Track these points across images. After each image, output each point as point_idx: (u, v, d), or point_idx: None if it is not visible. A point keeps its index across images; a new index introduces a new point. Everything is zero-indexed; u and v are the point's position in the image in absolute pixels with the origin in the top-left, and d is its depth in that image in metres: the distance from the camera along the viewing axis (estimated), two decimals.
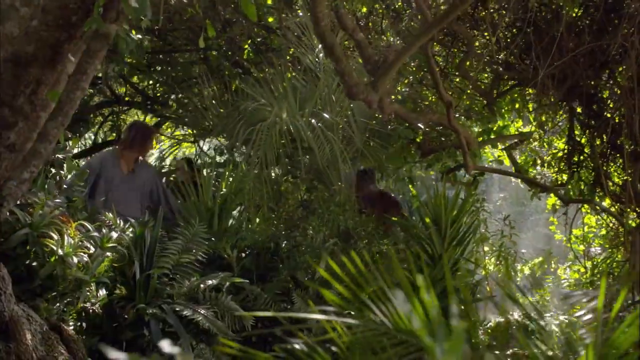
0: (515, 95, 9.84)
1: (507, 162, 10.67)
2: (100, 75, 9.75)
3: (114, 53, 8.60)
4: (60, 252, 3.96)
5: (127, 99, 10.16)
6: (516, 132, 8.96)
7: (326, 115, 7.30)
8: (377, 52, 6.40)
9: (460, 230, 7.49)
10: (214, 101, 8.06)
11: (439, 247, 7.40)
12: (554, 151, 10.09)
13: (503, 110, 10.08)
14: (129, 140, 7.17)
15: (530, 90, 9.39)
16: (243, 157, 7.73)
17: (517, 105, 9.97)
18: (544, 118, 10.12)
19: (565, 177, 9.44)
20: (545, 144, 10.23)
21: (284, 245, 6.51)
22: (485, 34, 8.38)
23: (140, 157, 7.27)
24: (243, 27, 8.82)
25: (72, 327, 4.25)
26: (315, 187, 7.76)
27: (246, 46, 9.15)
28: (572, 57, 7.65)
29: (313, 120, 7.35)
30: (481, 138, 8.62)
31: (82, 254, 4.12)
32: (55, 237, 3.97)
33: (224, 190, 6.81)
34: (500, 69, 8.40)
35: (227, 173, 7.04)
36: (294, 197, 7.28)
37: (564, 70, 8.04)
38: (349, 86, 5.89)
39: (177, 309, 4.85)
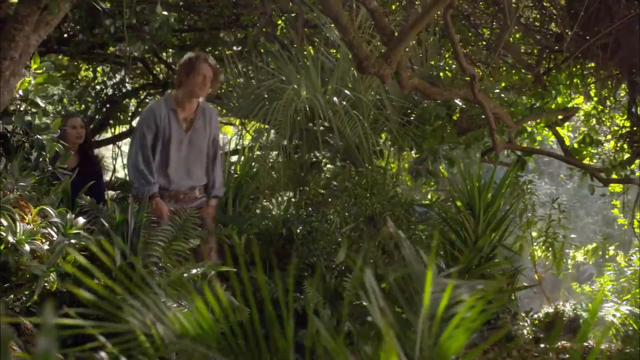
0: (573, 69, 9.15)
1: (567, 141, 9.96)
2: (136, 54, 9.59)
3: (141, 31, 8.40)
4: (11, 239, 3.67)
5: (161, 78, 9.93)
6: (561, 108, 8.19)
7: (347, 92, 6.84)
8: (395, 21, 5.89)
9: (497, 214, 6.96)
10: (239, 80, 7.69)
11: (472, 233, 6.88)
12: (615, 129, 9.34)
13: (561, 86, 9.40)
14: (177, 79, 5.65)
15: (590, 64, 8.70)
16: (264, 138, 7.35)
17: (575, 80, 9.27)
18: (604, 93, 9.39)
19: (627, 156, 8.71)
20: (605, 120, 9.48)
21: (298, 231, 6.13)
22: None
23: (200, 100, 5.63)
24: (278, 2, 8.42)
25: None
26: (342, 168, 7.32)
27: (280, 22, 8.75)
28: (625, 24, 6.96)
29: (335, 98, 6.89)
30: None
31: (39, 242, 3.82)
32: (5, 223, 3.68)
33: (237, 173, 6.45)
34: (544, 40, 7.72)
35: (242, 156, 6.67)
36: (316, 179, 6.86)
37: (618, 40, 7.33)
38: (359, 59, 5.43)
39: (161, 300, 4.54)
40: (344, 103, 6.97)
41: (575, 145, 8.91)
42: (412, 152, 8.53)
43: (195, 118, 5.57)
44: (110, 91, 10.06)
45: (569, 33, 7.92)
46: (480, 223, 6.80)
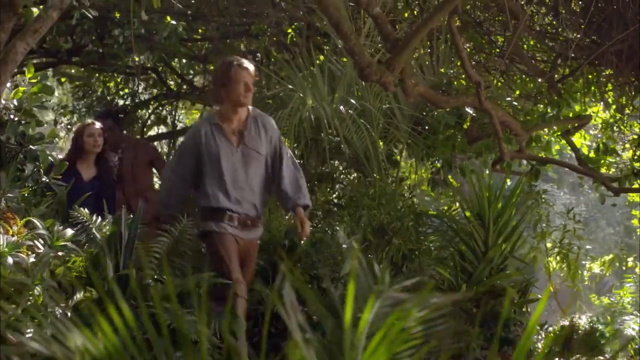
0: (589, 76, 8.96)
1: (585, 150, 9.76)
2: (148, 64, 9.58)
3: (150, 41, 8.37)
4: None
5: (172, 88, 9.89)
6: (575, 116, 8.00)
7: (352, 101, 6.74)
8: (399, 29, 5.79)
9: (508, 224, 6.79)
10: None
11: (482, 244, 6.72)
12: (634, 137, 9.12)
13: (578, 94, 9.21)
14: (214, 94, 5.08)
15: (608, 71, 8.51)
16: None
17: (592, 88, 9.07)
18: (622, 100, 9.19)
19: None
20: (624, 128, 9.26)
21: (302, 242, 6.01)
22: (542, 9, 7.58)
23: (249, 109, 5.04)
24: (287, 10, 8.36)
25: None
26: (350, 179, 7.21)
27: (290, 30, 8.67)
28: (638, 30, 6.78)
29: (342, 107, 6.79)
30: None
31: (23, 254, 3.75)
32: None
33: None
34: (557, 46, 7.55)
35: None
36: (323, 190, 6.75)
37: (632, 46, 7.15)
38: (361, 67, 5.33)
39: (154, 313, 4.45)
40: (351, 112, 6.86)
41: (592, 154, 8.72)
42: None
43: (245, 129, 4.94)
44: (120, 102, 10.05)
45: (586, 39, 7.78)
46: (490, 234, 6.63)
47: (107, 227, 4.66)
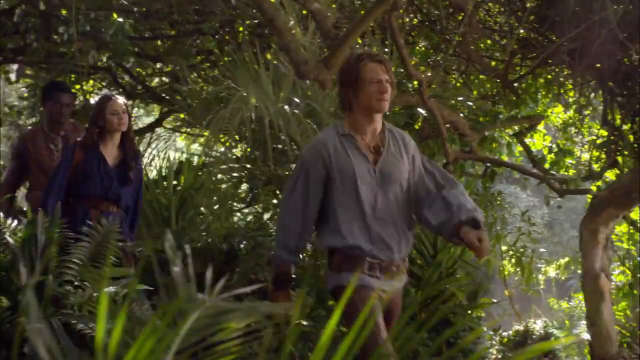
0: (549, 76, 8.84)
1: (545, 151, 9.63)
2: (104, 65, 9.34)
3: (95, 39, 8.13)
4: None
5: (127, 88, 9.66)
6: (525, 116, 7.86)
7: (297, 100, 6.55)
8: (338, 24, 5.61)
9: None
10: (193, 87, 7.41)
11: (431, 247, 6.56)
12: (593, 138, 9.00)
13: (538, 94, 9.10)
14: (343, 98, 3.79)
15: (565, 71, 8.38)
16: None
17: (554, 88, 8.95)
18: (583, 101, 9.08)
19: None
20: (582, 129, 9.15)
21: (242, 246, 5.82)
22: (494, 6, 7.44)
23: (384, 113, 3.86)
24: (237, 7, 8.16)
25: None
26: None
27: (241, 28, 8.47)
28: (590, 28, 6.64)
29: (287, 107, 6.59)
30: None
31: None
32: None
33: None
34: (510, 44, 7.40)
35: (186, 168, 6.38)
36: (266, 191, 6.57)
37: (585, 44, 7.01)
38: (297, 64, 5.15)
39: (72, 322, 4.23)
40: (297, 112, 6.67)
41: (552, 157, 8.59)
42: None
43: (383, 144, 3.71)
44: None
45: (539, 38, 7.64)
46: (439, 237, 6.47)
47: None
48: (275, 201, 6.90)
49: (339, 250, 3.61)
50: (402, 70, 6.22)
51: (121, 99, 5.27)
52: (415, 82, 5.44)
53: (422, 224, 3.83)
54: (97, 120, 5.11)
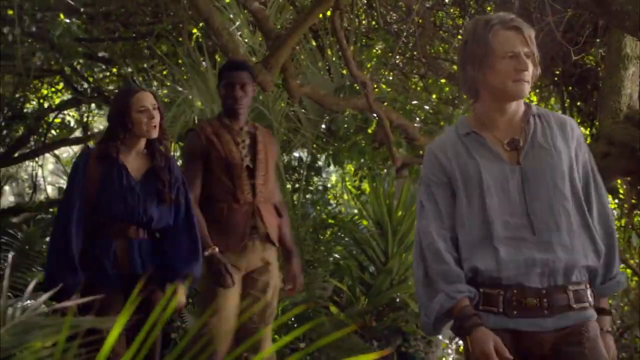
0: None
1: None
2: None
3: (42, 39, 7.90)
4: None
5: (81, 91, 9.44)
6: None
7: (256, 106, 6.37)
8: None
9: (411, 233, 6.48)
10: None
11: (382, 254, 6.40)
12: None
13: None
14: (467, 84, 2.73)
15: None
16: None
17: None
18: (542, 105, 9.00)
19: None
20: None
21: None
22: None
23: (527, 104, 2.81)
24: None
25: None
26: None
27: (195, 30, 8.28)
28: (544, 30, 6.53)
29: None
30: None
31: None
32: None
33: None
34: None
35: None
36: None
37: (540, 47, 6.88)
38: None
39: None
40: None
41: None
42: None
43: (527, 132, 2.61)
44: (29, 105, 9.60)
45: None
46: (390, 243, 6.32)
47: None
48: None
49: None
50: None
51: (149, 92, 3.88)
52: (359, 85, 5.26)
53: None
54: (121, 121, 3.73)
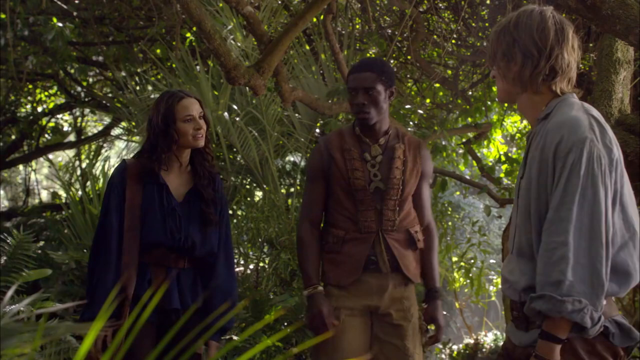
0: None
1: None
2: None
3: (34, 43, 7.88)
4: None
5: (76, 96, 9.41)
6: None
7: (235, 107, 6.35)
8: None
9: None
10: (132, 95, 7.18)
11: None
12: None
13: (494, 103, 8.99)
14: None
15: None
16: None
17: None
18: None
19: None
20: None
21: None
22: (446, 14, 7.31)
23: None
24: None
25: None
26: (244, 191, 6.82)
27: (188, 34, 8.27)
28: None
29: (226, 114, 6.40)
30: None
31: None
32: None
33: None
34: (459, 53, 7.29)
35: None
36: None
37: None
38: (227, 69, 4.91)
39: None
40: (238, 119, 6.48)
41: (507, 166, 8.46)
42: None
43: None
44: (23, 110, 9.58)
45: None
46: None
47: None
48: None
49: None
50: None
51: (194, 97, 3.37)
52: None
53: None
54: (165, 131, 3.21)
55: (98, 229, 3.21)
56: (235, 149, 6.87)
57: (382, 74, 3.36)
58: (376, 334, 3.34)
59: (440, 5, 7.74)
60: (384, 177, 3.36)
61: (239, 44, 6.60)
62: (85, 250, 5.58)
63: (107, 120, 10.60)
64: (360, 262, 3.30)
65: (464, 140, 8.38)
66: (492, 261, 8.52)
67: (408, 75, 9.03)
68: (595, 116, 2.29)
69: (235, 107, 6.41)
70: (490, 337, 7.49)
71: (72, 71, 8.90)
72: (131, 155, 5.67)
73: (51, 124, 10.34)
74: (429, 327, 3.37)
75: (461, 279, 7.53)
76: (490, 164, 7.87)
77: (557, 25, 2.33)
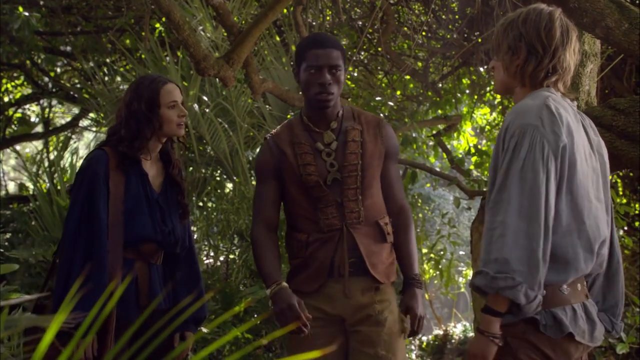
0: (474, 77, 8.80)
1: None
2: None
3: (1, 33, 7.76)
4: None
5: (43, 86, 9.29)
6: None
7: (205, 99, 6.32)
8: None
9: None
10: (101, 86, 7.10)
11: None
12: None
13: (464, 95, 9.05)
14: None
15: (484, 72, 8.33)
16: None
17: (482, 91, 8.91)
18: (506, 102, 9.06)
19: None
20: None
21: None
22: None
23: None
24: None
25: None
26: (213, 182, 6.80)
27: (157, 25, 8.19)
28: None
29: (196, 105, 6.36)
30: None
31: None
32: None
33: None
34: (430, 45, 7.31)
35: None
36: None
37: None
38: (197, 60, 4.88)
39: None
40: (207, 110, 6.44)
41: (477, 158, 8.51)
42: None
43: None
44: None
45: (459, 38, 7.56)
46: None
47: None
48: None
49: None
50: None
51: (175, 82, 3.16)
52: None
53: None
54: (148, 118, 2.98)
55: (78, 223, 2.87)
56: (205, 141, 6.83)
57: (343, 51, 3.05)
58: (350, 343, 2.98)
59: None
60: (340, 166, 2.99)
61: (208, 35, 6.56)
62: (52, 244, 5.52)
63: (75, 111, 10.46)
64: (324, 266, 2.94)
65: (434, 132, 8.42)
66: (461, 253, 8.58)
67: (379, 67, 9.04)
68: (549, 105, 2.34)
69: (205, 98, 6.38)
70: (459, 328, 7.55)
71: (40, 61, 8.77)
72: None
73: (18, 115, 10.18)
74: (406, 317, 2.98)
75: (431, 271, 7.57)
76: (460, 156, 7.90)
77: (563, 27, 2.43)
